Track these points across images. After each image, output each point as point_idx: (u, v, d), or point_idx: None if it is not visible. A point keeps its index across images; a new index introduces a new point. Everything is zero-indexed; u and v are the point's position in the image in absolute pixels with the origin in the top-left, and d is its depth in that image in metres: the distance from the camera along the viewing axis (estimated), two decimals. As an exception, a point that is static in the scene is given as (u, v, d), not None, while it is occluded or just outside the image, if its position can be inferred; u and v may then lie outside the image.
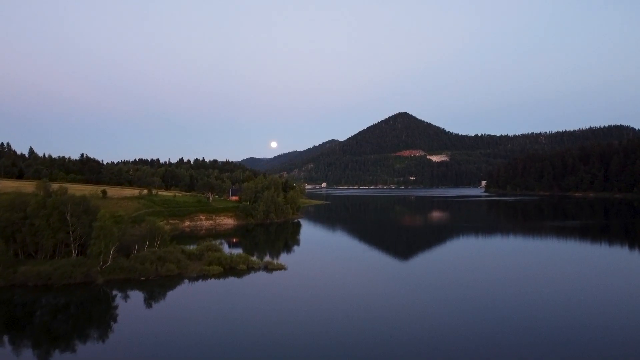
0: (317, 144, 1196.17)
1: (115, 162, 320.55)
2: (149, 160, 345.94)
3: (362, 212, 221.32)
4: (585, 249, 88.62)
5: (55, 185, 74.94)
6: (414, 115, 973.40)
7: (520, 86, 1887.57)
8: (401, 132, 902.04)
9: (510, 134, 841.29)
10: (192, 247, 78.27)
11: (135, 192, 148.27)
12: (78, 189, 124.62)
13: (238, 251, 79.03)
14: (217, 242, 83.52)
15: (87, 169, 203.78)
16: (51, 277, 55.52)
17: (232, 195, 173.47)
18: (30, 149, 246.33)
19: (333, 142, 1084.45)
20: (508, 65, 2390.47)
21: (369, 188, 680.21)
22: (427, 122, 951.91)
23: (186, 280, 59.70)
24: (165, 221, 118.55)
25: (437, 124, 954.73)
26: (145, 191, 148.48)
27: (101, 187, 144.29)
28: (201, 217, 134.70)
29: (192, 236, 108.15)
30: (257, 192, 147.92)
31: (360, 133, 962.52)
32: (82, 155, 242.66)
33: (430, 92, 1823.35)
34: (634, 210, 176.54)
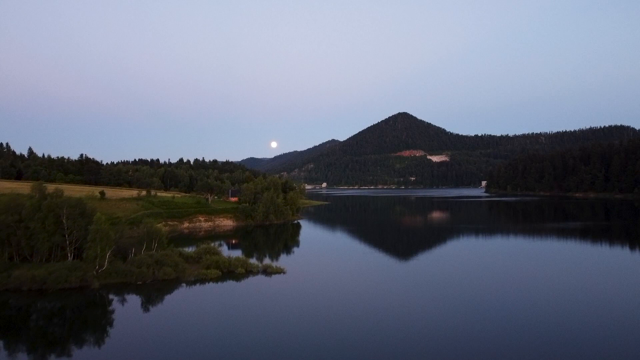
0: (317, 144, 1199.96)
1: (115, 162, 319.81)
2: (149, 160, 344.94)
3: (362, 213, 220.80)
4: (585, 250, 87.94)
5: (51, 187, 74.01)
6: (414, 115, 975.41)
7: (520, 86, 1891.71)
8: (401, 132, 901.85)
9: (511, 134, 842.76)
10: (190, 250, 77.57)
11: (133, 193, 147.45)
12: (76, 190, 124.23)
13: (237, 253, 78.37)
14: (216, 244, 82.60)
15: (86, 169, 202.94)
16: (46, 282, 54.63)
17: (231, 197, 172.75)
18: (30, 149, 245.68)
19: (333, 142, 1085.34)
20: (508, 65, 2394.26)
21: (369, 188, 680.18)
22: (427, 122, 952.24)
23: (184, 285, 58.89)
24: (163, 223, 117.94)
25: (437, 124, 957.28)
26: (144, 192, 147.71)
27: (99, 188, 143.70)
28: (200, 218, 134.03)
29: (191, 238, 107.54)
30: (256, 193, 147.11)
31: (360, 133, 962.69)
32: (82, 155, 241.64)
33: (430, 92, 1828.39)
34: (635, 210, 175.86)
